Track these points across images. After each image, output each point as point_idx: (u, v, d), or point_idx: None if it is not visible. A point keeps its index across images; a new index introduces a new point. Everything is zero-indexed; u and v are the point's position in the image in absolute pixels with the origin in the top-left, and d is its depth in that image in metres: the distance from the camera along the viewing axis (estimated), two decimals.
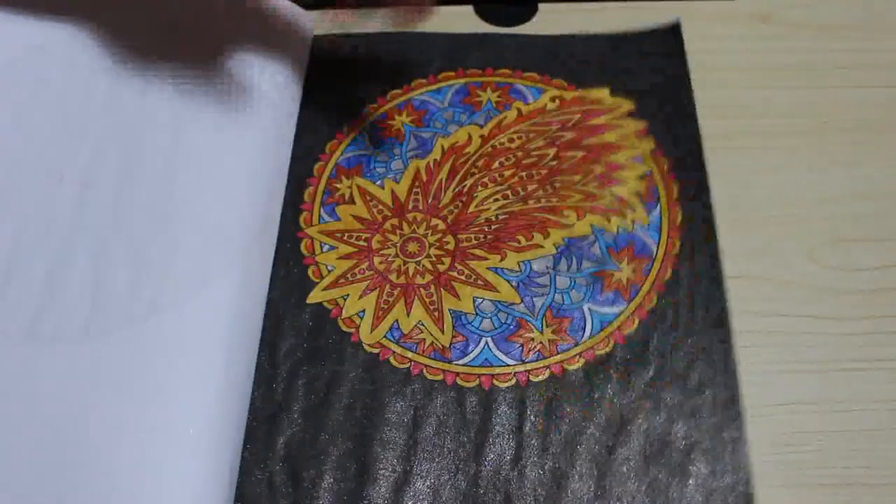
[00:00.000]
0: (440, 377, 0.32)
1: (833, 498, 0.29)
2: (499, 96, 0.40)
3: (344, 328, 0.33)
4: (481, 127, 0.39)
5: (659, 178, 0.36)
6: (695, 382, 0.31)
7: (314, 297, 0.34)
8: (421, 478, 0.29)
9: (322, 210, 0.37)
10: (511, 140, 0.38)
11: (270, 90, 0.38)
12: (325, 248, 0.35)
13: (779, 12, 0.42)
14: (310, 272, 0.35)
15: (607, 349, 0.32)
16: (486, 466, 0.29)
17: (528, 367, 0.32)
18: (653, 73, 0.39)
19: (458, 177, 0.37)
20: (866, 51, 0.40)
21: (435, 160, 0.38)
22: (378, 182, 0.37)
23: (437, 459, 0.30)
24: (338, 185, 0.37)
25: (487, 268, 0.34)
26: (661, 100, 0.38)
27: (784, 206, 0.36)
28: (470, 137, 0.38)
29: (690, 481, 0.29)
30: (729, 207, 0.36)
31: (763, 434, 0.30)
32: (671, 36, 0.40)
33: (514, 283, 0.34)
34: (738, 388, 0.31)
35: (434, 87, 0.40)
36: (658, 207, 0.35)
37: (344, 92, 0.40)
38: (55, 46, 0.37)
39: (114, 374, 0.29)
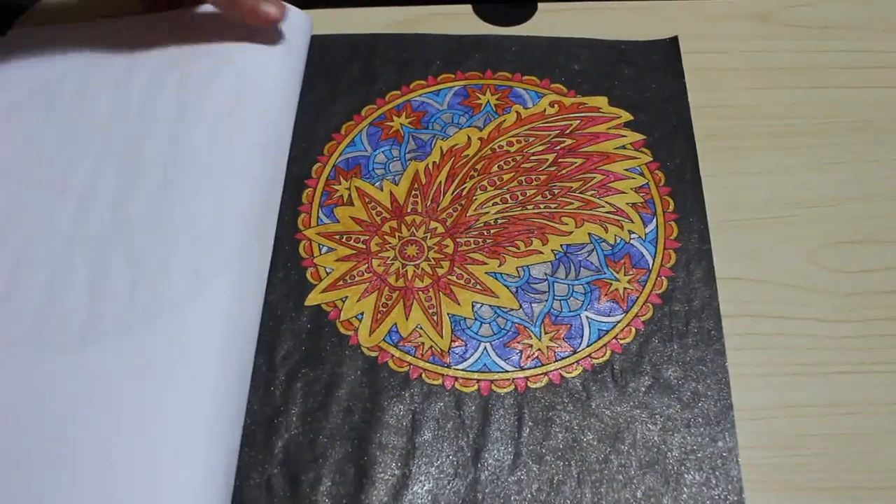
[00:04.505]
0: (439, 381, 0.32)
1: (834, 502, 0.29)
2: (498, 99, 0.40)
3: (342, 331, 0.33)
4: (480, 129, 0.39)
5: (655, 192, 0.36)
6: (689, 393, 0.31)
7: (312, 299, 0.34)
8: (419, 482, 0.29)
9: (320, 212, 0.36)
10: (510, 143, 0.38)
11: (268, 91, 0.37)
12: (324, 249, 0.35)
13: (779, 12, 0.42)
14: (308, 274, 0.34)
15: (604, 358, 0.32)
16: (483, 472, 0.30)
17: (527, 373, 0.32)
18: (651, 87, 0.39)
19: (457, 179, 0.37)
20: (866, 51, 0.40)
21: (434, 162, 0.38)
22: (377, 184, 0.37)
23: (435, 464, 0.30)
24: (336, 187, 0.37)
25: (486, 273, 0.34)
26: (658, 115, 0.38)
27: (784, 207, 0.36)
28: (469, 140, 0.38)
29: (684, 490, 0.29)
30: (728, 208, 0.36)
31: (763, 437, 0.31)
32: (670, 51, 0.40)
33: (512, 289, 0.34)
34: (732, 399, 0.31)
35: (433, 88, 0.40)
36: (654, 221, 0.35)
37: (342, 93, 0.40)
38: (68, 74, 0.38)
39: (111, 380, 0.29)
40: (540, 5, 0.43)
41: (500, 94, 0.40)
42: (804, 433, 0.31)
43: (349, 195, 0.37)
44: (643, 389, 0.31)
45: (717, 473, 0.29)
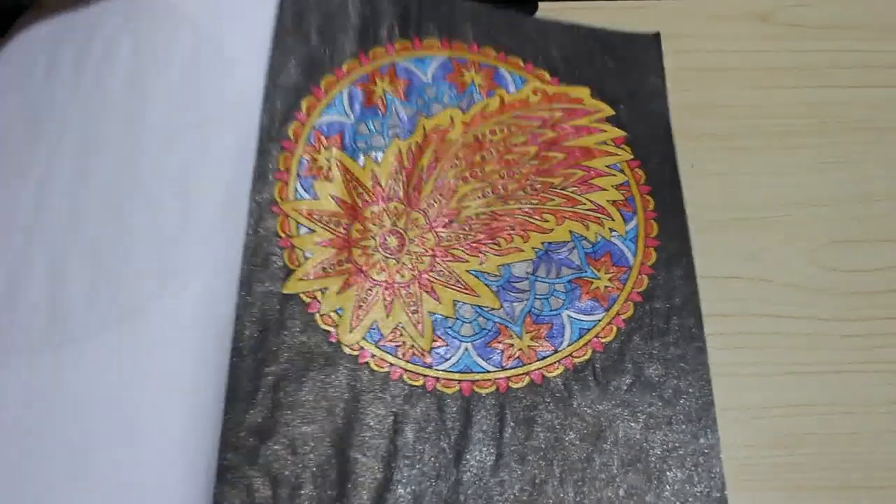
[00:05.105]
0: (420, 382, 0.31)
1: (833, 501, 0.30)
2: (483, 79, 0.38)
3: (322, 326, 0.31)
4: (464, 112, 0.37)
5: (636, 189, 0.37)
6: (671, 390, 0.32)
7: (291, 286, 0.32)
8: (401, 484, 0.29)
9: (298, 182, 0.34)
10: (493, 132, 0.37)
11: (233, 48, 0.33)
12: (303, 230, 0.33)
13: (779, 12, 0.42)
14: (286, 256, 0.32)
15: (585, 357, 0.32)
16: (466, 473, 0.30)
17: (508, 373, 0.32)
18: (632, 82, 0.39)
19: (440, 166, 0.36)
20: (866, 51, 0.41)
21: (417, 143, 0.36)
22: (359, 160, 0.35)
23: (417, 466, 0.30)
24: (316, 156, 0.34)
25: (467, 270, 0.34)
26: (638, 112, 0.38)
27: (783, 207, 0.36)
28: (452, 122, 0.37)
29: (667, 487, 0.30)
30: (728, 208, 0.36)
31: (761, 436, 0.31)
32: (652, 48, 0.40)
33: (493, 288, 0.34)
34: (713, 396, 0.31)
35: (418, 53, 0.38)
36: (635, 218, 0.36)
37: (321, 42, 0.36)
38: (42, 49, 0.31)
39: (77, 387, 0.26)
40: (540, 4, 0.41)
41: (485, 73, 0.38)
42: (803, 432, 0.31)
43: (329, 168, 0.34)
44: (625, 388, 0.32)
45: (699, 470, 0.30)
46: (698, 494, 0.30)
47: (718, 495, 0.30)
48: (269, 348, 0.30)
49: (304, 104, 0.35)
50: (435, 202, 0.35)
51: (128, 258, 0.28)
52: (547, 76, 0.39)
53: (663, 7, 0.41)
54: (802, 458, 0.31)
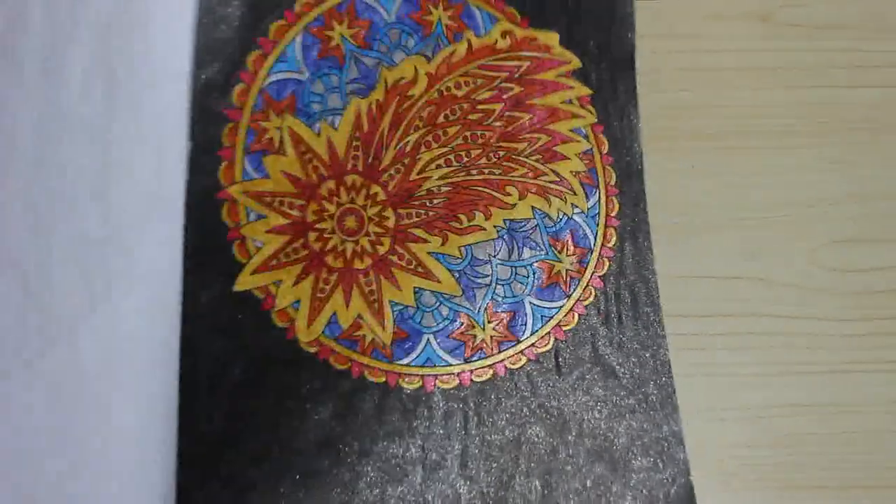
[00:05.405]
0: (382, 379, 0.30)
1: (833, 501, 0.30)
2: (450, 18, 0.33)
3: (278, 323, 0.29)
4: (428, 61, 0.33)
5: (598, 160, 0.35)
6: (633, 379, 0.32)
7: (243, 282, 0.29)
8: (368, 485, 0.29)
9: (246, 160, 0.29)
10: (458, 86, 0.33)
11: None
12: (252, 216, 0.29)
13: (779, 12, 0.40)
14: (235, 249, 0.29)
15: (548, 347, 0.32)
16: (432, 470, 0.30)
17: (471, 366, 0.32)
18: (603, 30, 0.35)
19: (402, 130, 0.32)
20: (866, 51, 0.40)
21: (377, 101, 0.32)
22: (315, 126, 0.30)
23: (383, 465, 0.30)
24: (265, 125, 0.30)
25: (428, 252, 0.32)
26: (606, 69, 0.35)
27: (783, 206, 0.36)
28: (416, 73, 0.32)
29: (633, 476, 0.31)
30: (728, 208, 0.36)
31: (761, 436, 0.31)
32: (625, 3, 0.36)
33: (455, 273, 0.32)
34: (674, 383, 0.32)
35: None
36: (596, 194, 0.34)
37: None
38: None
39: (16, 421, 0.22)
40: None
41: (454, 10, 0.33)
42: (803, 432, 0.31)
43: (281, 139, 0.29)
44: (587, 377, 0.32)
45: (663, 457, 0.31)
46: (664, 481, 0.31)
47: (683, 480, 0.31)
48: (223, 355, 0.28)
49: (249, 60, 0.29)
50: (395, 173, 0.32)
51: (49, 271, 0.24)
52: (517, 16, 0.35)
53: (662, 7, 0.38)
54: (802, 458, 0.31)
